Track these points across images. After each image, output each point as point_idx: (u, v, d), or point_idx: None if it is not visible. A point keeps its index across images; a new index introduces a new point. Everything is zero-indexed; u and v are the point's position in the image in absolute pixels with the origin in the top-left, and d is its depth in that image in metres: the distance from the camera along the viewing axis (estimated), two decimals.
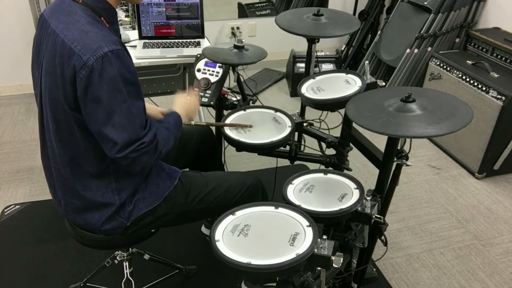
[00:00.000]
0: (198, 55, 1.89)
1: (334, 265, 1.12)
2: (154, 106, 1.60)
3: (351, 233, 1.48)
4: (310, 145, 2.02)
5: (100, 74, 1.10)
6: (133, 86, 1.18)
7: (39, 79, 1.23)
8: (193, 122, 1.60)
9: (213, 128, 1.91)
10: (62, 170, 1.30)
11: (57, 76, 1.15)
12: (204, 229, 2.10)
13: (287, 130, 1.64)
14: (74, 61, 1.10)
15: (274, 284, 1.27)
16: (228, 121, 1.71)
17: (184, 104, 1.52)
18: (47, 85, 1.19)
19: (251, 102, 1.95)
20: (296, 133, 1.91)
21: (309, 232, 1.16)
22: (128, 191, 1.34)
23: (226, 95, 1.89)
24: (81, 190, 1.31)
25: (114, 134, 1.15)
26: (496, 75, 2.48)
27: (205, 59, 1.86)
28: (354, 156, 1.88)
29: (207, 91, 1.83)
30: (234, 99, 1.91)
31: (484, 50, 2.78)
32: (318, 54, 3.38)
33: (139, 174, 1.35)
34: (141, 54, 2.23)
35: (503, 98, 2.33)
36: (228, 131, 1.64)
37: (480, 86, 2.46)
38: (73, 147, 1.24)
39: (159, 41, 2.34)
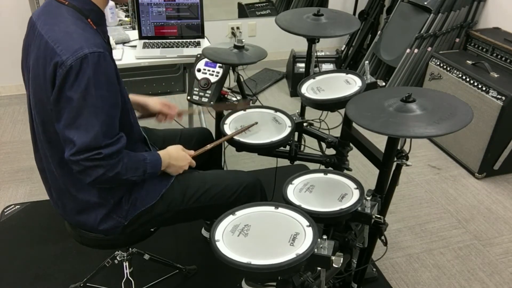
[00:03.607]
0: (198, 55, 1.89)
1: (334, 265, 1.12)
2: (153, 97, 1.61)
3: (351, 233, 1.48)
4: (310, 145, 2.02)
5: (77, 75, 1.09)
6: (108, 92, 1.14)
7: (28, 81, 1.23)
8: (208, 147, 1.56)
9: (213, 128, 1.91)
10: (54, 172, 1.31)
11: (40, 77, 1.15)
12: (204, 232, 2.10)
13: (287, 130, 1.64)
14: (55, 60, 1.10)
15: (274, 284, 1.27)
16: (228, 121, 1.71)
17: (174, 158, 1.41)
18: (33, 87, 1.20)
19: (251, 102, 1.95)
20: (296, 133, 1.91)
21: (309, 232, 1.16)
22: (122, 190, 1.34)
23: (226, 95, 1.89)
24: (73, 191, 1.31)
25: (75, 136, 1.13)
26: (496, 75, 2.48)
27: (205, 59, 1.86)
28: (354, 156, 1.88)
29: (207, 91, 1.83)
30: (234, 99, 1.91)
31: (484, 50, 2.78)
32: (318, 54, 3.38)
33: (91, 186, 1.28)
34: (141, 54, 2.23)
35: (503, 98, 2.33)
36: (228, 131, 1.64)
37: (480, 86, 2.46)
38: (62, 149, 1.22)
39: (159, 41, 2.34)
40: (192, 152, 1.50)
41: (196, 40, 2.38)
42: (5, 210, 2.27)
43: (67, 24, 1.14)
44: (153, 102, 1.61)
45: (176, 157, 1.42)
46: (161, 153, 1.39)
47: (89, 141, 1.13)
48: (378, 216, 1.35)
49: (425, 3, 3.06)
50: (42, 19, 1.18)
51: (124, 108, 1.27)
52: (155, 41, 2.34)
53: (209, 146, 1.56)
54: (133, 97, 1.59)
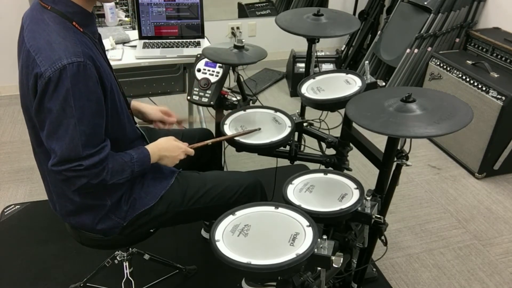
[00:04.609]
0: (198, 55, 1.89)
1: (334, 265, 1.12)
2: (152, 106, 1.61)
3: (351, 233, 1.48)
4: (310, 145, 2.02)
5: (56, 86, 1.08)
6: (89, 102, 1.13)
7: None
8: (209, 142, 1.55)
9: (213, 129, 1.91)
10: (51, 174, 1.31)
11: (25, 85, 1.15)
12: (203, 233, 2.10)
13: (287, 130, 1.64)
14: (35, 71, 1.09)
15: (274, 284, 1.27)
16: (228, 121, 1.71)
17: (165, 149, 1.39)
18: (20, 92, 1.21)
19: (251, 102, 1.95)
20: (296, 133, 1.91)
21: (309, 232, 1.16)
22: (121, 191, 1.34)
23: (226, 95, 1.89)
24: (70, 194, 1.31)
25: (56, 146, 1.13)
26: (496, 75, 2.48)
27: (205, 59, 1.86)
28: (354, 156, 1.88)
29: (207, 91, 1.83)
30: (234, 99, 1.91)
31: (484, 50, 2.78)
32: (318, 54, 3.38)
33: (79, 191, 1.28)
34: (141, 54, 2.23)
35: (503, 98, 2.33)
36: (228, 131, 1.64)
37: (480, 86, 2.46)
38: None
39: (159, 41, 2.34)
40: (186, 144, 1.47)
41: (196, 40, 2.38)
42: (5, 210, 2.27)
43: (48, 32, 1.12)
44: (154, 110, 1.60)
45: (167, 147, 1.40)
46: (150, 146, 1.37)
47: (69, 152, 1.13)
48: (378, 216, 1.35)
49: (425, 3, 3.06)
50: (27, 24, 1.17)
51: (114, 111, 1.25)
52: (155, 41, 2.34)
53: (209, 142, 1.56)
54: (133, 103, 1.59)
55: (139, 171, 1.30)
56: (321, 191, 1.40)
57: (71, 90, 1.09)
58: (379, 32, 3.48)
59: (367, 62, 1.80)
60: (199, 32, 2.39)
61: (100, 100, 1.17)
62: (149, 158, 1.33)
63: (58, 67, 1.07)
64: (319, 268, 1.26)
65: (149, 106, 1.60)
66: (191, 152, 1.47)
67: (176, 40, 2.35)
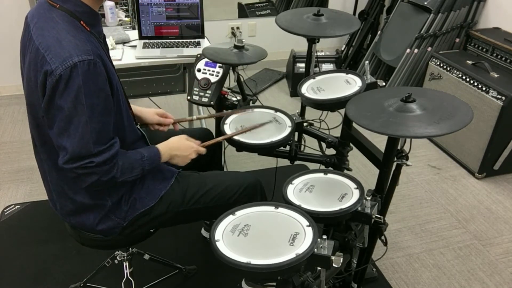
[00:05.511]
0: (198, 55, 1.89)
1: (334, 265, 1.12)
2: (148, 109, 1.60)
3: (351, 233, 1.48)
4: (310, 145, 2.02)
5: (66, 83, 1.08)
6: (99, 99, 1.14)
7: (23, 83, 1.23)
8: (221, 138, 1.56)
9: (213, 129, 1.91)
10: (52, 173, 1.31)
11: (32, 82, 1.15)
12: (203, 232, 2.10)
13: (287, 130, 1.64)
14: (45, 68, 1.09)
15: (274, 284, 1.27)
16: (228, 121, 1.71)
17: (176, 149, 1.40)
18: (27, 90, 1.20)
19: (251, 102, 1.95)
20: (296, 133, 1.91)
21: (309, 232, 1.16)
22: (120, 192, 1.34)
23: (226, 95, 1.90)
24: (71, 194, 1.31)
25: (67, 144, 1.13)
26: (496, 75, 2.48)
27: (205, 59, 1.87)
28: (354, 156, 1.88)
29: (207, 91, 1.84)
30: (234, 99, 1.91)
31: (484, 50, 2.78)
32: (318, 54, 3.38)
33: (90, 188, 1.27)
34: (141, 54, 2.23)
35: (503, 98, 2.33)
36: (228, 131, 1.64)
37: (480, 86, 2.46)
38: (56, 152, 1.21)
39: (159, 41, 2.34)
40: (198, 142, 1.48)
41: (196, 40, 2.38)
42: (5, 210, 2.27)
43: (57, 30, 1.12)
44: (150, 113, 1.61)
45: (178, 147, 1.41)
46: (161, 145, 1.38)
47: (80, 149, 1.13)
48: (378, 216, 1.35)
49: (425, 3, 3.06)
50: (34, 22, 1.17)
51: (118, 110, 1.26)
52: (155, 41, 2.34)
53: (222, 139, 1.57)
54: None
55: (149, 170, 1.32)
56: (321, 191, 1.40)
57: (82, 88, 1.09)
58: (379, 32, 3.48)
59: (367, 62, 1.80)
60: (199, 32, 2.39)
61: (109, 97, 1.18)
62: (159, 157, 1.35)
63: (69, 65, 1.07)
64: (319, 268, 1.27)
65: (146, 110, 1.61)
66: (203, 151, 1.48)
67: (176, 40, 2.35)
